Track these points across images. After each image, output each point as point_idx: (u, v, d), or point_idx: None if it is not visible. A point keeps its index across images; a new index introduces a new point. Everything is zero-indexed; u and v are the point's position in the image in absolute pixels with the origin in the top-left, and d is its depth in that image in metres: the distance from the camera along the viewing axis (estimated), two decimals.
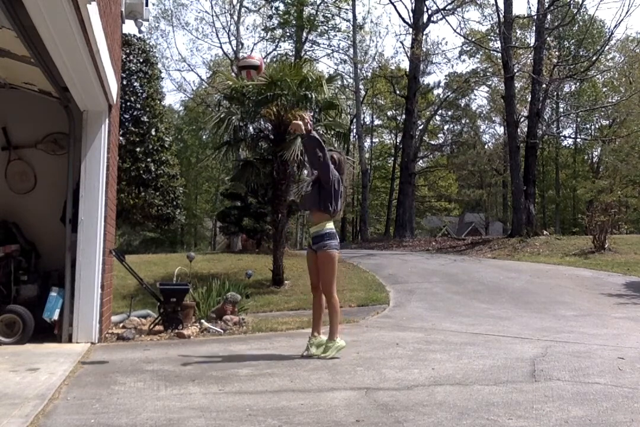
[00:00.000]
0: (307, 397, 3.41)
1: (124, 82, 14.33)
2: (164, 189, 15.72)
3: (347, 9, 29.49)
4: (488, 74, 28.10)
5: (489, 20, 26.67)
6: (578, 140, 37.13)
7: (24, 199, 6.27)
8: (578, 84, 31.81)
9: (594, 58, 22.22)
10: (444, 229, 41.96)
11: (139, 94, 15.44)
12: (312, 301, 4.99)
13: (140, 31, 8.29)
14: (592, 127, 38.46)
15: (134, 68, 15.36)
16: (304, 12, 27.94)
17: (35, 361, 4.44)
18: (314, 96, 10.09)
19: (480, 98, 47.71)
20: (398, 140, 36.01)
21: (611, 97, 30.17)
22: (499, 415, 3.00)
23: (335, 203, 4.74)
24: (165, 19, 31.21)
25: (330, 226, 4.76)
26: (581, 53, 28.32)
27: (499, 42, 20.81)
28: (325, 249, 4.68)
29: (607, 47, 22.68)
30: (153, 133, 15.47)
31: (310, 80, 10.10)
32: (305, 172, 11.20)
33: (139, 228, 23.40)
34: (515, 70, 20.03)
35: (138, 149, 15.14)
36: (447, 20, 39.60)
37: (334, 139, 10.52)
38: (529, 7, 35.50)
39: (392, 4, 26.74)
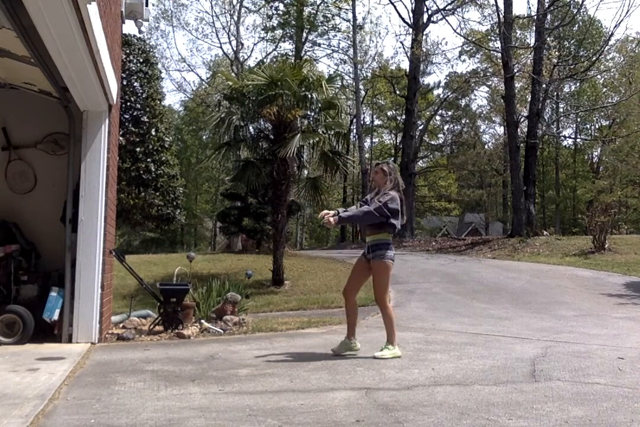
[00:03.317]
0: (307, 398, 3.41)
1: (124, 82, 14.32)
2: (164, 189, 15.71)
3: (347, 9, 29.48)
4: (488, 74, 28.06)
5: (489, 21, 26.66)
6: (578, 140, 37.16)
7: (24, 199, 6.26)
8: (578, 84, 31.82)
9: (594, 58, 22.22)
10: (444, 229, 41.94)
11: (139, 94, 15.44)
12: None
13: (140, 31, 8.30)
14: (592, 127, 38.48)
15: (134, 68, 15.36)
16: (304, 12, 27.93)
17: (35, 361, 4.44)
18: (314, 96, 10.10)
19: (480, 98, 47.72)
20: (398, 141, 36.04)
21: (611, 97, 30.13)
22: (499, 415, 3.00)
23: (397, 222, 4.77)
24: (165, 19, 31.21)
25: (389, 237, 4.80)
26: (581, 53, 28.32)
27: (499, 42, 20.81)
28: (382, 258, 4.71)
29: (607, 47, 22.68)
30: (153, 133, 15.47)
31: (310, 80, 10.11)
32: (306, 172, 11.21)
33: (139, 228, 23.37)
34: (515, 70, 20.03)
35: (138, 149, 15.13)
36: (447, 21, 39.60)
37: (333, 139, 10.53)
38: (529, 7, 35.56)
39: (392, 4, 26.78)
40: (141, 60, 15.69)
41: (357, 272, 4.87)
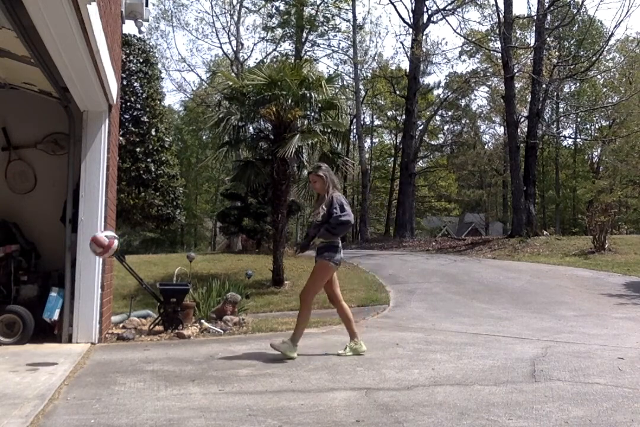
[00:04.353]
0: (307, 398, 3.41)
1: (124, 82, 14.33)
2: (164, 189, 15.71)
3: (347, 9, 29.51)
4: (488, 74, 28.04)
5: (489, 21, 26.68)
6: (578, 140, 37.16)
7: (24, 199, 6.26)
8: (578, 84, 31.80)
9: (594, 58, 22.21)
10: (444, 229, 41.93)
11: (139, 94, 15.44)
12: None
13: (140, 31, 8.31)
14: (592, 127, 38.47)
15: (134, 68, 15.36)
16: (304, 12, 27.95)
17: (35, 361, 4.44)
18: (313, 96, 10.09)
19: (480, 98, 47.69)
20: (398, 141, 36.00)
21: (611, 97, 30.13)
22: (499, 415, 3.00)
23: (350, 217, 4.75)
24: (165, 19, 31.25)
25: (337, 240, 4.76)
26: (581, 53, 28.31)
27: (499, 42, 20.80)
28: (327, 259, 4.68)
29: (607, 47, 22.69)
30: (153, 133, 15.47)
31: (310, 80, 10.10)
32: (306, 172, 11.20)
33: (139, 228, 23.39)
34: (515, 71, 20.02)
35: (138, 149, 15.14)
36: (447, 21, 39.65)
37: (333, 139, 10.53)
38: (529, 7, 35.58)
39: (392, 4, 26.77)
40: (141, 60, 15.69)
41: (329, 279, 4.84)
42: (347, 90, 31.15)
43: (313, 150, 10.29)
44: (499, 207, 42.19)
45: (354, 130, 32.37)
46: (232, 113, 10.36)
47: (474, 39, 24.97)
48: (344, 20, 30.17)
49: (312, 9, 28.46)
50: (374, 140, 42.53)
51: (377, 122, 40.69)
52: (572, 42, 31.84)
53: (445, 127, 38.36)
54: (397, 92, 31.57)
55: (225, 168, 26.20)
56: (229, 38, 30.07)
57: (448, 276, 11.30)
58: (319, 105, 10.33)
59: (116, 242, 4.94)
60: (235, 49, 29.87)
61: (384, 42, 51.32)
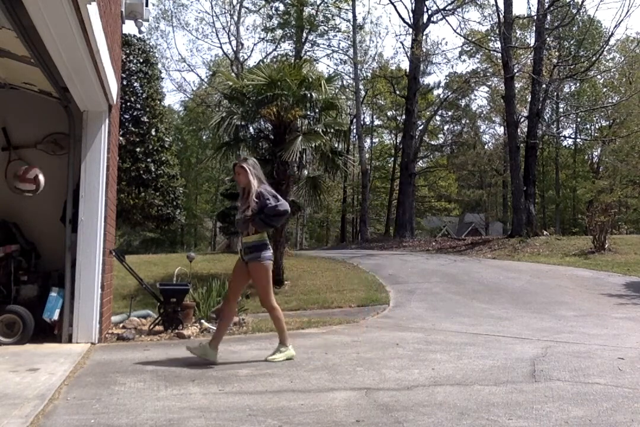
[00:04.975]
0: (307, 398, 3.41)
1: (124, 82, 14.32)
2: (164, 189, 15.71)
3: (347, 9, 29.51)
4: (488, 74, 28.04)
5: (489, 21, 26.68)
6: (578, 140, 37.17)
7: (24, 199, 6.25)
8: (578, 84, 31.81)
9: (594, 58, 22.22)
10: (444, 229, 41.93)
11: (139, 94, 15.44)
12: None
13: (140, 31, 8.31)
14: (592, 127, 38.47)
15: (134, 68, 15.36)
16: (304, 13, 27.95)
17: (35, 361, 4.44)
18: (313, 96, 10.09)
19: (480, 98, 47.73)
20: (398, 141, 35.99)
21: (611, 97, 30.13)
22: (499, 415, 3.00)
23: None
24: (165, 19, 31.23)
25: (264, 237, 4.60)
26: (581, 53, 28.31)
27: (499, 42, 20.80)
28: (258, 260, 4.50)
29: (607, 47, 22.70)
30: (153, 133, 15.46)
31: (310, 80, 10.11)
32: (306, 172, 11.20)
33: (139, 228, 23.40)
34: (515, 71, 20.02)
35: (138, 149, 15.13)
36: (447, 21, 39.68)
37: (334, 139, 10.53)
38: (529, 7, 35.55)
39: (392, 4, 26.79)
40: (141, 60, 15.68)
41: (237, 276, 4.67)
42: (347, 90, 31.16)
43: (314, 150, 10.28)
44: (499, 207, 42.18)
45: (354, 130, 32.35)
46: (232, 113, 10.36)
47: (474, 39, 24.97)
48: (344, 20, 30.20)
49: (312, 9, 28.46)
50: (374, 140, 42.56)
51: (377, 122, 40.71)
52: (572, 42, 31.84)
53: (445, 127, 38.38)
54: (397, 92, 31.56)
55: (225, 168, 26.18)
56: (229, 38, 30.10)
57: (448, 276, 11.30)
58: (319, 105, 10.33)
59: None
60: (235, 49, 29.87)
61: (384, 42, 51.38)
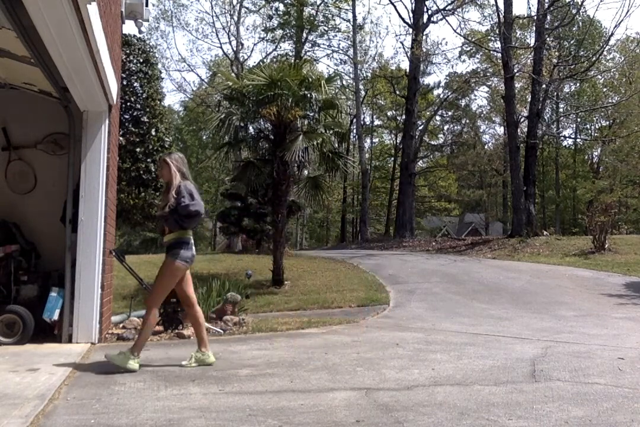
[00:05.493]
0: (307, 398, 3.41)
1: (124, 83, 14.31)
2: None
3: (347, 9, 29.54)
4: (488, 74, 28.06)
5: (489, 21, 26.71)
6: (578, 140, 37.17)
7: (24, 199, 6.26)
8: (578, 84, 31.80)
9: (594, 58, 22.22)
10: (444, 229, 41.93)
11: (139, 94, 15.42)
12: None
13: (140, 31, 8.31)
14: (592, 127, 38.48)
15: (134, 68, 15.34)
16: (304, 13, 27.97)
17: (35, 361, 4.44)
18: (313, 96, 10.09)
19: (480, 98, 47.71)
20: (398, 141, 36.00)
21: (611, 97, 30.13)
22: (499, 415, 3.00)
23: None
24: (165, 19, 31.23)
25: (185, 234, 4.36)
26: (581, 53, 28.32)
27: (499, 42, 20.81)
28: (173, 257, 4.26)
29: (607, 47, 22.71)
30: (153, 133, 15.45)
31: (310, 80, 10.11)
32: (306, 172, 11.20)
33: (139, 228, 23.38)
34: (515, 71, 20.03)
35: (138, 149, 15.11)
36: (447, 21, 39.52)
37: (334, 139, 10.53)
38: (529, 7, 35.56)
39: (392, 4, 26.78)
40: (141, 60, 15.66)
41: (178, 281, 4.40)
42: (347, 90, 31.13)
43: (316, 151, 10.28)
44: (499, 207, 42.18)
45: (354, 131, 32.37)
46: (232, 113, 10.36)
47: (474, 39, 24.98)
48: (344, 20, 30.23)
49: (312, 9, 28.48)
50: (374, 140, 42.58)
51: (377, 122, 40.73)
52: (572, 42, 31.84)
53: (445, 127, 38.39)
54: (397, 92, 31.57)
55: (225, 168, 26.21)
56: (229, 38, 30.11)
57: (448, 276, 11.30)
58: (319, 105, 10.33)
59: None
60: (235, 49, 29.88)
61: (384, 42, 51.39)
